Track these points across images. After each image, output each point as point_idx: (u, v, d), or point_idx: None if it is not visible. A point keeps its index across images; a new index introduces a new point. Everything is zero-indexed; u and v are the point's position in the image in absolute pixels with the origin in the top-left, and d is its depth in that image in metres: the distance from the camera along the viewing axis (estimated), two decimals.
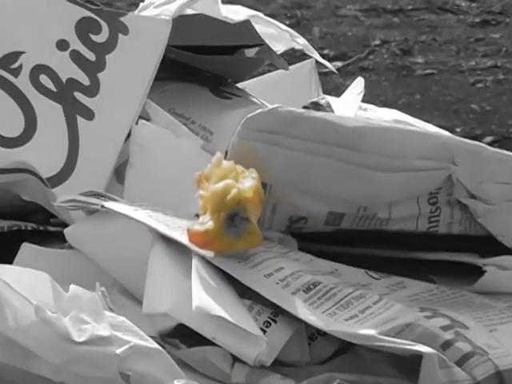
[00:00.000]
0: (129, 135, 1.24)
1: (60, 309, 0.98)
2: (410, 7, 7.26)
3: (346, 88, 1.58)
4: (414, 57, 6.17)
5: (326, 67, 1.52)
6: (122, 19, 1.21)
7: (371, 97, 1.51)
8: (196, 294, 1.04)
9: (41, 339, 0.96)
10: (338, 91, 1.53)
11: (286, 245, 1.16)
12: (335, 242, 1.17)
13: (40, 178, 1.18)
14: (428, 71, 5.93)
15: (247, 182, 1.10)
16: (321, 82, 1.51)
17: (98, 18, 1.21)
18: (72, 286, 1.02)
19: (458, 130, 4.11)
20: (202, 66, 1.32)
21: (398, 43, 6.36)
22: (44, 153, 1.18)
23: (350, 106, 1.42)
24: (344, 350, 1.06)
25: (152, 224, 1.12)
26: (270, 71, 1.48)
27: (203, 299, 1.04)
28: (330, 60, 5.27)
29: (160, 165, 1.23)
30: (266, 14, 1.45)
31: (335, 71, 1.48)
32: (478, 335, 1.05)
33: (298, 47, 1.41)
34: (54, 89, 1.19)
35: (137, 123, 1.24)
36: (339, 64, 5.18)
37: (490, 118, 4.98)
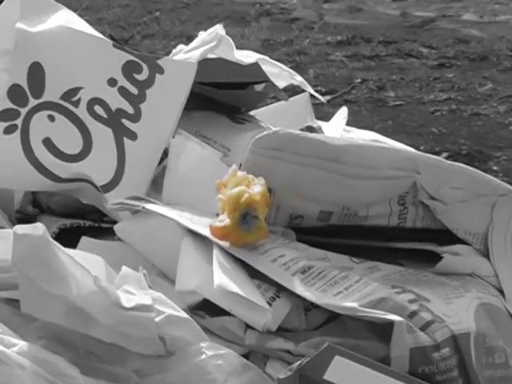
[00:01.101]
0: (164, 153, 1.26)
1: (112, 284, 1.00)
2: (383, 53, 7.27)
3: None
4: (387, 92, 6.16)
5: (318, 99, 1.52)
6: (159, 62, 1.22)
7: (354, 123, 1.51)
8: (216, 276, 1.05)
9: (97, 305, 0.97)
10: (327, 118, 1.54)
11: (286, 237, 1.17)
12: (325, 234, 1.18)
13: (95, 185, 1.19)
14: (398, 103, 5.93)
15: (256, 188, 1.10)
16: (314, 111, 1.52)
17: (139, 61, 1.21)
18: (123, 267, 1.04)
19: (422, 147, 4.14)
20: (221, 98, 1.33)
21: (374, 81, 6.37)
22: (98, 166, 1.19)
23: (336, 128, 1.43)
24: (332, 319, 1.06)
25: (182, 221, 1.14)
26: (273, 102, 1.49)
27: (222, 279, 1.05)
28: (322, 94, 5.32)
29: (190, 170, 1.24)
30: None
31: (325, 101, 1.49)
32: (437, 307, 1.05)
33: (295, 83, 1.42)
34: (105, 116, 1.19)
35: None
36: (329, 97, 5.19)
37: (445, 139, 5.00)
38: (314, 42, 7.87)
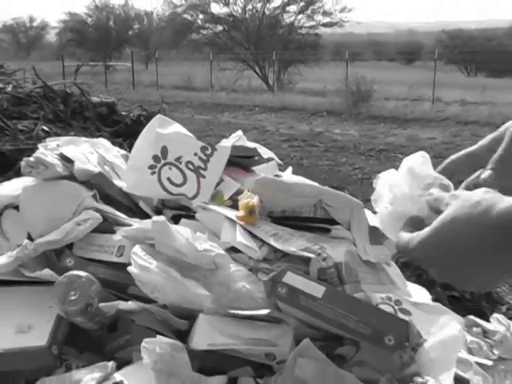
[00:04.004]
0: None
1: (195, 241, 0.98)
2: (302, 145, 7.41)
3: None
4: (303, 160, 6.21)
5: (280, 164, 1.48)
6: (216, 146, 1.20)
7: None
8: (238, 236, 1.03)
9: (187, 249, 0.94)
10: (282, 171, 1.50)
11: (266, 220, 1.13)
12: (283, 219, 1.14)
13: (187, 197, 1.16)
14: (308, 165, 5.98)
15: (255, 200, 1.08)
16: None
17: (207, 145, 1.18)
18: (198, 232, 1.00)
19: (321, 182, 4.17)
20: (240, 162, 1.29)
21: (299, 156, 6.53)
22: (189, 189, 1.16)
23: (288, 175, 1.39)
24: (286, 255, 1.03)
25: (224, 212, 1.10)
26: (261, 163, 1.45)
27: (240, 238, 1.03)
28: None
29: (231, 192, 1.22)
30: (262, 144, 1.43)
31: (282, 164, 1.46)
32: (329, 251, 1.02)
33: (272, 156, 1.40)
34: (192, 168, 1.17)
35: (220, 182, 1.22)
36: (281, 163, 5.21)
37: (326, 180, 5.14)
38: (274, 139, 7.93)
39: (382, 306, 0.99)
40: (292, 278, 0.91)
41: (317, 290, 0.90)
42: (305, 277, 0.93)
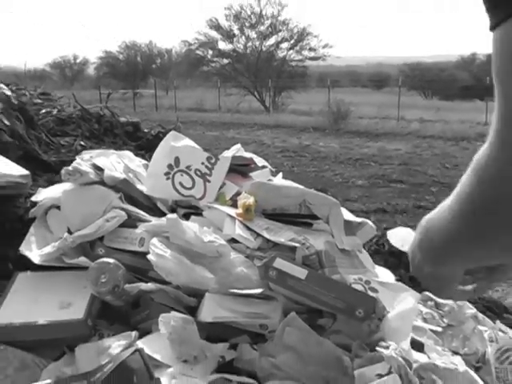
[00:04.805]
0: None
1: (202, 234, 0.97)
2: (293, 155, 7.37)
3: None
4: (294, 168, 6.16)
5: (272, 171, 1.45)
6: (219, 156, 1.16)
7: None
8: (237, 230, 1.02)
9: (195, 240, 0.92)
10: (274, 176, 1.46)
11: (260, 217, 1.11)
12: (274, 216, 1.12)
13: (195, 198, 1.14)
14: (297, 172, 5.94)
15: (251, 200, 1.07)
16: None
17: (212, 155, 1.15)
18: (204, 227, 0.98)
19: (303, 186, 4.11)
20: (239, 169, 1.25)
21: (290, 165, 6.50)
22: (197, 191, 1.14)
23: (278, 179, 1.37)
24: (276, 244, 1.02)
25: (225, 211, 1.08)
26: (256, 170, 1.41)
27: (238, 230, 1.01)
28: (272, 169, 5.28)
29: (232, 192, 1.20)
30: (259, 155, 1.41)
31: (274, 171, 1.43)
32: (312, 241, 1.00)
33: (265, 164, 1.37)
34: (200, 174, 1.14)
35: (222, 186, 1.19)
36: (274, 170, 5.18)
37: (312, 183, 5.00)
38: (270, 151, 7.90)
39: (354, 285, 0.98)
40: (281, 263, 0.91)
41: (301, 272, 0.90)
42: (291, 262, 0.92)
